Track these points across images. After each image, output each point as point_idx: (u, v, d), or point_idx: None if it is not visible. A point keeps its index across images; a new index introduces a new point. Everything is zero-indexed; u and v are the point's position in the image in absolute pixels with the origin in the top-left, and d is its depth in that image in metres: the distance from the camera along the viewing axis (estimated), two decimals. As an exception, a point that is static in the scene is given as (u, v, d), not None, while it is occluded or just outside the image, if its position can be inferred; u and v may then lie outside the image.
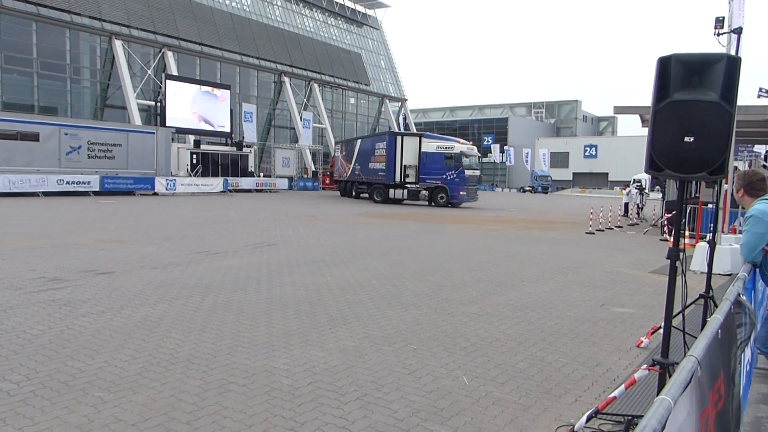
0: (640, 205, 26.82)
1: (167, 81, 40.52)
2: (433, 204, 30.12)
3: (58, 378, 4.40)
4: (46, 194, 28.04)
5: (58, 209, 20.75)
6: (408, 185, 30.44)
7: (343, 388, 4.39)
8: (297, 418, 3.83)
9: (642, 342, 5.86)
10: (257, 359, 4.98)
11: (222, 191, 37.20)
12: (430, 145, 30.03)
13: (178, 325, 5.97)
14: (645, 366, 3.71)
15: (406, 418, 3.92)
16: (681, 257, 3.36)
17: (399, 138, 30.90)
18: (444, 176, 29.57)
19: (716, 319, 2.35)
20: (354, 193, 35.77)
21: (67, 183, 29.06)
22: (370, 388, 4.41)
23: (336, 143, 41.84)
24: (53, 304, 6.70)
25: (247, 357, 5.03)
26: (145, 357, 4.94)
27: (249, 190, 40.26)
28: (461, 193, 29.80)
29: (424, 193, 30.36)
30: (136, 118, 40.35)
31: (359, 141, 36.26)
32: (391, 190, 30.76)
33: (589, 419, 3.61)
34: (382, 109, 70.33)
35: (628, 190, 28.91)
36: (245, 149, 44.16)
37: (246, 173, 42.91)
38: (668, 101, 3.28)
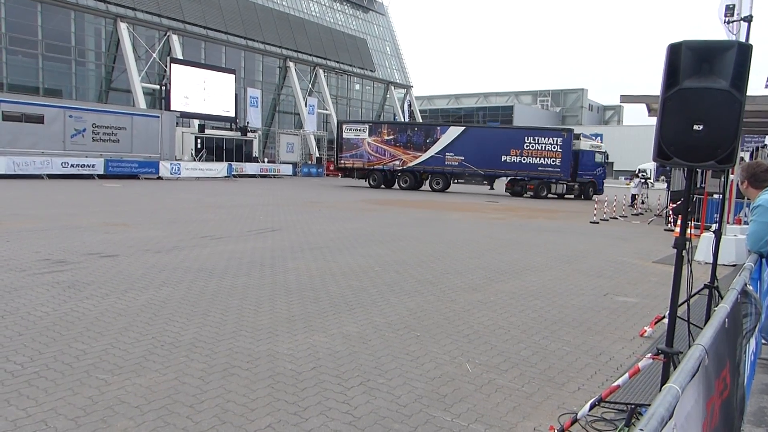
0: (640, 197, 26.70)
1: (172, 65, 40.42)
2: (582, 197, 31.17)
3: (62, 360, 4.42)
4: (51, 177, 28.08)
5: (62, 192, 20.79)
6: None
7: (346, 374, 4.39)
8: (300, 403, 3.84)
9: (645, 331, 5.85)
10: (261, 344, 4.99)
11: (226, 176, 37.20)
12: (585, 144, 32.10)
13: (181, 308, 5.99)
14: (649, 355, 3.70)
15: (408, 404, 3.92)
16: (687, 247, 3.34)
17: (570, 136, 31.19)
18: (594, 172, 32.37)
19: (723, 308, 2.33)
20: (406, 183, 33.21)
21: (72, 166, 29.08)
22: (373, 374, 4.42)
23: (362, 127, 34.66)
24: (57, 286, 6.72)
25: (251, 341, 5.04)
26: (148, 340, 4.95)
27: (253, 176, 40.25)
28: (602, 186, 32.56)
29: (577, 187, 31.82)
30: (141, 102, 40.31)
31: (457, 129, 32.79)
32: (553, 186, 31.39)
33: (592, 407, 3.61)
34: (387, 96, 70.03)
35: (637, 180, 28.67)
36: (250, 134, 44.12)
37: (250, 158, 42.91)
38: (678, 89, 3.24)
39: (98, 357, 4.50)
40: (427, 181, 33.80)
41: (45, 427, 3.36)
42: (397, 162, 33.45)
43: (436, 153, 32.60)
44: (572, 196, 31.78)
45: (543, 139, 31.06)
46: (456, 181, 34.38)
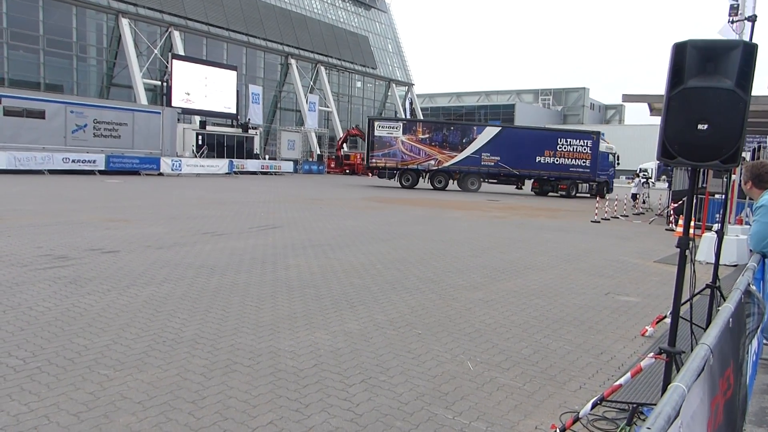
0: (641, 196, 26.70)
1: (174, 61, 40.39)
2: (598, 196, 31.41)
3: (63, 355, 4.42)
4: (52, 172, 28.10)
5: (63, 187, 20.79)
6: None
7: (348, 371, 4.40)
8: (302, 400, 3.85)
9: (647, 331, 5.85)
10: (262, 340, 4.99)
11: (227, 173, 37.21)
12: (602, 146, 33.26)
13: (183, 305, 5.99)
14: (651, 354, 3.70)
15: (410, 401, 3.93)
16: (691, 246, 3.33)
17: (598, 139, 32.89)
18: (608, 172, 34.04)
19: (727, 308, 2.33)
20: (441, 183, 32.84)
21: (73, 161, 29.12)
22: (375, 372, 4.42)
23: (396, 125, 33.25)
24: (59, 281, 6.72)
25: (252, 338, 5.04)
26: (150, 336, 4.96)
27: (254, 173, 40.26)
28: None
29: (595, 186, 33.13)
30: (142, 98, 40.29)
31: (493, 130, 32.97)
32: (580, 185, 32.93)
33: (594, 406, 3.61)
34: (389, 93, 70.00)
35: (637, 180, 28.74)
36: (251, 131, 44.13)
37: (251, 155, 42.93)
38: (682, 88, 3.23)
39: (100, 353, 4.51)
40: (455, 182, 33.29)
41: (47, 422, 3.36)
42: (432, 162, 32.73)
43: (472, 153, 32.44)
44: (588, 195, 32.58)
45: (575, 141, 32.52)
46: (488, 181, 34.20)
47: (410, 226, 14.14)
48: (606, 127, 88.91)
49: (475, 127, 33.66)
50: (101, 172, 30.10)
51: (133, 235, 10.40)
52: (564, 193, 31.80)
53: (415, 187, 33.30)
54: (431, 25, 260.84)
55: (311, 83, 57.28)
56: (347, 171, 50.77)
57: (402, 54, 73.61)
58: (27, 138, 28.23)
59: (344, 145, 53.75)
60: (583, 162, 32.37)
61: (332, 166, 51.56)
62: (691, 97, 3.20)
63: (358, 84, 67.18)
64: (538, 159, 32.23)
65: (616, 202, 22.70)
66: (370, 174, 35.00)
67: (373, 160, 33.14)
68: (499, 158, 32.34)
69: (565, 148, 32.35)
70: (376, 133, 32.83)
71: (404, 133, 32.95)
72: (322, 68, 58.37)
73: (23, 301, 5.83)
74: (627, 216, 20.87)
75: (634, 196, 27.26)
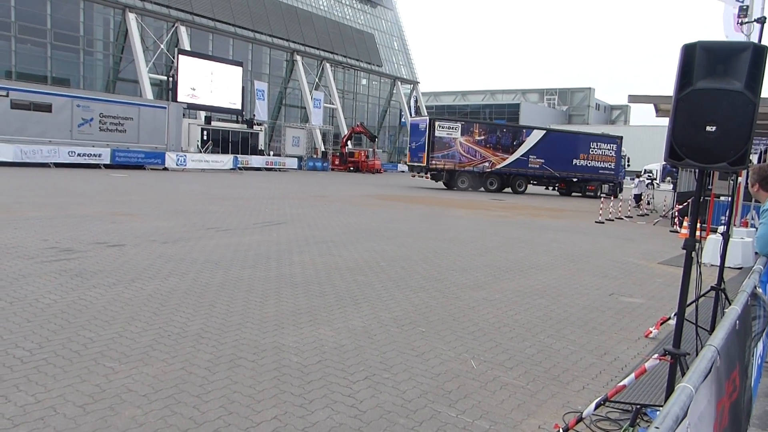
0: (645, 198, 26.68)
1: (180, 56, 40.45)
2: (612, 196, 31.93)
3: (70, 347, 4.45)
4: (58, 165, 28.19)
5: (69, 181, 20.86)
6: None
7: (352, 368, 4.41)
8: (306, 395, 3.86)
9: (651, 332, 5.84)
10: (267, 336, 5.01)
11: (232, 168, 37.27)
12: (620, 149, 35.74)
13: (188, 299, 6.01)
14: (656, 355, 3.70)
15: (413, 399, 3.94)
16: (697, 248, 3.33)
17: (621, 143, 35.57)
18: (621, 173, 35.81)
19: (734, 310, 2.33)
20: (493, 186, 32.62)
21: (79, 155, 29.19)
22: (379, 369, 4.43)
23: (455, 125, 32.18)
24: (65, 274, 6.75)
25: (257, 333, 5.06)
26: (155, 330, 4.98)
27: (258, 169, 40.29)
28: None
29: (613, 187, 34.73)
30: (148, 93, 40.36)
31: (540, 132, 33.82)
32: (604, 186, 34.49)
33: (597, 407, 3.61)
34: (394, 91, 69.96)
35: (638, 180, 28.77)
36: (256, 127, 44.17)
37: (256, 151, 42.97)
38: (691, 89, 3.23)
39: (106, 345, 4.53)
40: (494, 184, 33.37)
41: (54, 413, 3.39)
42: (487, 164, 32.50)
43: (521, 155, 33.03)
44: (606, 195, 32.81)
45: (603, 144, 34.94)
46: (532, 183, 34.59)
47: (414, 224, 14.14)
48: (611, 127, 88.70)
49: (524, 130, 34.29)
50: (106, 166, 30.18)
51: (138, 229, 10.44)
52: (592, 193, 32.82)
53: (470, 190, 32.74)
54: (437, 23, 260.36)
55: (316, 80, 57.28)
56: (351, 168, 50.76)
57: (407, 52, 73.53)
58: (34, 131, 28.32)
59: (349, 142, 53.75)
60: (609, 164, 34.89)
61: (336, 163, 51.54)
62: (699, 98, 3.19)
63: (363, 81, 67.14)
64: (574, 162, 34.00)
65: (620, 203, 22.73)
66: (428, 177, 32.37)
67: (433, 162, 31.66)
68: (543, 161, 33.37)
69: (595, 151, 34.55)
70: (437, 133, 31.67)
71: (462, 134, 32.21)
72: (328, 65, 58.35)
73: (29, 293, 5.86)
74: (631, 217, 20.83)
75: (637, 197, 27.26)
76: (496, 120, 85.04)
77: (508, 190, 33.41)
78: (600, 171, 34.76)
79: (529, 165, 33.14)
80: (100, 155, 30.12)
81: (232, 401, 3.71)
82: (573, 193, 34.63)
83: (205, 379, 4.02)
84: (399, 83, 69.84)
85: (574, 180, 34.26)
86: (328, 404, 3.76)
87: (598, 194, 32.29)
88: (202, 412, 3.53)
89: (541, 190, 35.77)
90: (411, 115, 68.85)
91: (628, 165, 38.25)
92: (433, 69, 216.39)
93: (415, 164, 32.41)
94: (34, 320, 5.02)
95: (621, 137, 36.02)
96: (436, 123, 32.07)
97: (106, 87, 42.28)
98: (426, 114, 73.42)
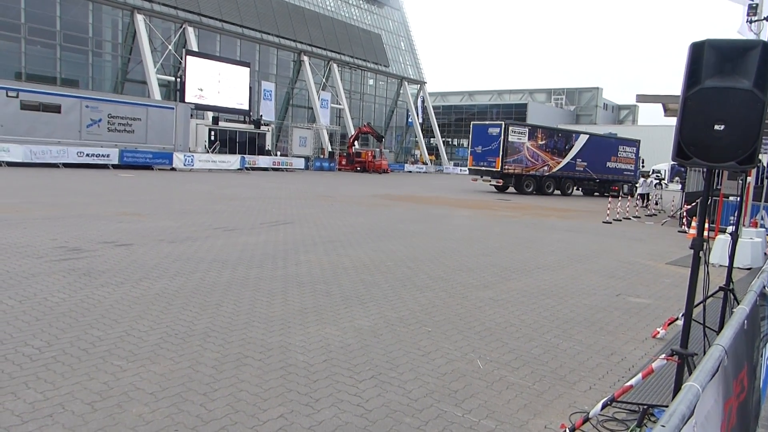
0: (654, 198, 26.55)
1: (187, 57, 40.61)
2: (629, 195, 32.68)
3: (78, 345, 4.47)
4: (66, 165, 28.35)
5: (77, 181, 20.97)
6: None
7: (358, 367, 4.41)
8: (312, 394, 3.87)
9: (658, 333, 5.82)
10: (273, 335, 5.02)
11: (239, 169, 37.37)
12: (638, 152, 38.01)
13: (195, 298, 6.03)
14: (663, 356, 3.68)
15: (420, 398, 3.94)
16: (705, 248, 3.31)
17: (639, 146, 37.92)
18: (636, 174, 37.10)
19: (742, 309, 2.32)
20: (550, 189, 33.11)
21: (87, 155, 29.36)
22: (385, 368, 4.43)
23: (523, 130, 32.19)
24: (73, 273, 6.79)
25: (264, 332, 5.07)
26: (162, 328, 5.00)
27: (265, 169, 40.39)
28: None
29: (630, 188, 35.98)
30: (156, 93, 40.54)
31: (584, 137, 34.70)
32: (625, 186, 35.98)
33: (604, 407, 3.60)
34: (401, 92, 69.96)
35: (642, 180, 28.67)
36: (263, 127, 44.26)
37: (263, 151, 43.06)
38: (699, 88, 3.21)
39: (113, 344, 4.55)
40: (548, 188, 33.63)
41: (62, 410, 3.41)
42: (546, 168, 33.10)
43: (570, 159, 34.10)
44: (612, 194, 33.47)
45: (627, 147, 37.02)
46: (576, 186, 35.45)
47: (420, 224, 14.14)
48: (619, 127, 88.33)
49: (574, 134, 35.25)
50: (115, 167, 30.33)
51: (145, 229, 10.48)
52: (615, 193, 32.94)
53: (536, 193, 32.68)
54: (444, 23, 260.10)
55: (323, 80, 57.37)
56: (358, 168, 50.80)
57: (414, 52, 73.51)
58: (43, 132, 28.51)
59: (356, 142, 53.80)
60: (631, 166, 37.12)
61: (343, 163, 51.60)
62: (708, 97, 3.17)
63: (371, 81, 67.19)
64: (607, 164, 35.78)
65: (628, 203, 22.67)
66: (501, 182, 31.51)
67: (506, 167, 31.27)
68: (586, 164, 34.77)
69: (622, 154, 36.62)
70: (510, 138, 31.43)
71: (529, 138, 32.32)
72: (335, 65, 58.42)
73: (38, 291, 5.90)
74: (639, 217, 20.73)
75: (642, 197, 27.16)
76: (503, 119, 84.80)
77: (547, 193, 33.51)
78: (624, 172, 36.84)
79: (576, 168, 34.43)
80: (108, 156, 30.28)
81: (239, 399, 3.72)
82: (595, 193, 35.73)
83: (212, 377, 4.04)
84: (406, 83, 69.84)
85: (607, 182, 35.64)
86: (334, 403, 3.76)
87: (620, 194, 32.64)
88: (209, 410, 3.55)
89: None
90: (418, 115, 68.90)
91: (643, 166, 39.81)
92: (440, 69, 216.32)
93: (482, 168, 31.92)
94: (42, 319, 5.05)
95: (639, 141, 38.30)
96: (510, 128, 31.88)
97: (115, 88, 42.50)
98: (433, 115, 73.44)
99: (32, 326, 4.84)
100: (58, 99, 29.49)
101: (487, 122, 34.99)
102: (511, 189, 32.83)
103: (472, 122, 34.65)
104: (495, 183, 31.74)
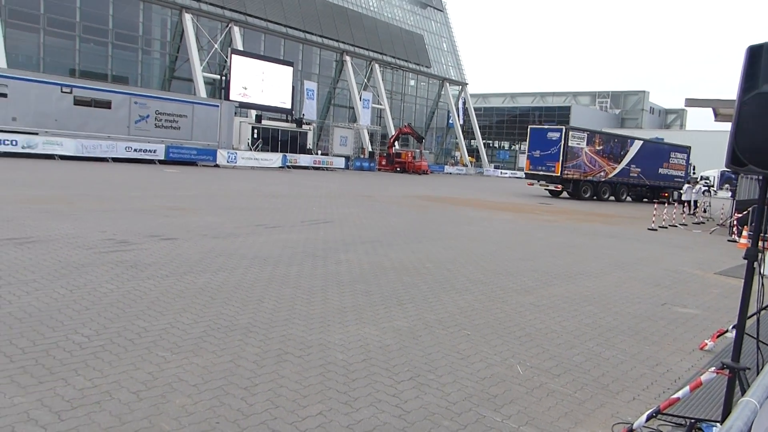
0: (702, 205, 25.74)
1: (233, 56, 41.34)
2: (676, 202, 32.15)
3: (125, 335, 4.60)
4: (115, 160, 29.22)
5: (125, 175, 21.59)
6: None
7: (397, 368, 4.42)
8: (351, 393, 3.89)
9: (706, 344, 5.64)
10: (313, 332, 5.07)
11: (280, 167, 37.85)
12: (689, 158, 38.32)
13: (237, 293, 6.14)
14: (713, 369, 3.57)
15: (458, 401, 3.91)
16: (759, 258, 3.20)
17: (689, 152, 38.26)
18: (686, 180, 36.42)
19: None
20: (606, 195, 33.00)
21: (135, 150, 30.20)
22: (423, 370, 4.42)
23: (582, 135, 31.88)
24: (121, 265, 6.99)
25: (303, 330, 5.12)
26: (206, 322, 5.10)
27: (306, 167, 40.81)
28: None
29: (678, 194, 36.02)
30: (202, 91, 41.40)
31: (639, 143, 34.64)
32: (675, 192, 35.83)
33: (649, 419, 3.51)
34: (442, 93, 69.73)
35: (687, 186, 27.78)
36: (305, 126, 44.72)
37: (304, 150, 43.52)
38: (756, 92, 3.10)
39: (158, 335, 4.67)
40: (605, 194, 33.50)
41: (109, 398, 3.51)
42: (602, 173, 32.85)
43: (625, 165, 33.95)
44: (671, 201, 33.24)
45: (678, 154, 37.19)
46: (629, 193, 35.26)
47: (460, 226, 14.05)
48: (666, 132, 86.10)
49: (629, 140, 35.00)
50: (161, 162, 31.11)
51: (190, 224, 10.72)
52: (665, 200, 32.26)
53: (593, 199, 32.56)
54: (486, 24, 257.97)
55: (365, 80, 57.61)
56: (398, 169, 50.85)
57: (456, 53, 73.17)
58: (94, 127, 29.46)
59: (396, 142, 53.85)
60: (681, 173, 37.10)
61: (383, 163, 51.72)
62: (765, 102, 3.06)
63: (412, 82, 67.18)
64: (659, 171, 35.85)
65: (674, 210, 22.08)
66: (560, 187, 31.26)
67: (566, 172, 30.98)
68: (640, 170, 34.61)
69: (673, 160, 36.72)
70: (570, 143, 31.12)
71: (587, 144, 32.04)
72: (377, 66, 58.61)
73: (88, 281, 6.09)
74: (686, 225, 20.16)
75: (688, 204, 26.34)
76: (545, 123, 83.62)
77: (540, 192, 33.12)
78: (675, 179, 36.69)
79: (630, 174, 34.23)
80: (155, 151, 31.07)
81: (279, 395, 3.76)
82: (644, 199, 35.39)
83: (252, 372, 4.10)
84: (447, 84, 69.58)
85: (658, 188, 35.53)
86: (372, 402, 3.78)
87: (669, 201, 32.05)
88: (250, 404, 3.60)
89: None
90: (458, 116, 68.51)
91: (693, 173, 39.62)
92: (482, 70, 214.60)
93: (540, 173, 31.58)
94: (92, 308, 5.21)
95: (690, 147, 38.31)
96: (570, 132, 31.54)
97: (162, 85, 43.61)
98: (474, 116, 72.94)
99: (82, 315, 5.00)
100: (108, 95, 30.43)
101: (545, 126, 34.43)
102: (564, 194, 32.42)
103: (529, 126, 34.17)
104: (554, 188, 31.41)
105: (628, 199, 35.10)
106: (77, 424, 3.19)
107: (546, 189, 31.98)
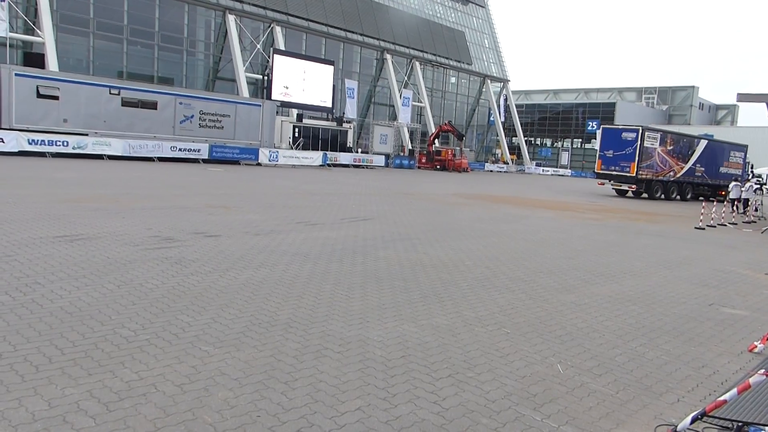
0: (753, 204, 24.78)
1: (275, 55, 41.89)
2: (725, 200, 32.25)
3: (169, 330, 4.73)
4: (161, 159, 29.98)
5: (170, 174, 22.14)
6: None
7: (435, 365, 4.42)
8: (389, 389, 3.91)
9: (756, 347, 5.45)
10: (352, 329, 5.11)
11: (321, 165, 38.16)
12: (746, 156, 38.80)
13: (278, 289, 6.23)
14: (762, 371, 3.45)
15: (497, 400, 3.89)
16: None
17: (746, 150, 38.79)
18: (743, 178, 36.41)
19: None
20: (673, 194, 32.96)
21: (180, 150, 30.90)
22: (462, 367, 4.41)
23: (656, 135, 31.49)
24: (165, 261, 7.19)
25: (342, 326, 5.17)
26: (247, 317, 5.20)
27: (347, 165, 41.03)
28: None
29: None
30: (244, 91, 42.06)
31: (704, 142, 34.73)
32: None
33: (693, 421, 3.42)
34: (483, 90, 69.08)
35: (733, 184, 26.76)
36: (345, 125, 44.98)
37: (345, 148, 43.76)
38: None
39: (201, 330, 4.79)
40: (673, 193, 33.40)
41: (155, 390, 3.62)
42: (672, 173, 32.83)
43: (692, 164, 34.07)
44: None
45: (737, 152, 37.50)
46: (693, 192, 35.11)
47: (500, 223, 13.92)
48: (716, 128, 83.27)
49: (695, 139, 34.87)
50: (204, 161, 31.77)
51: (232, 221, 10.93)
52: (722, 198, 31.53)
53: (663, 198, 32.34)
54: (529, 19, 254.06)
55: (405, 78, 57.53)
56: (438, 167, 50.62)
57: (498, 49, 72.33)
58: (140, 127, 30.29)
59: (436, 140, 53.63)
60: (739, 171, 37.16)
61: (423, 161, 51.55)
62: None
63: (453, 79, 66.75)
64: (721, 170, 35.98)
65: (723, 209, 21.36)
66: (634, 188, 30.91)
67: (641, 173, 30.73)
68: (704, 169, 34.75)
69: (732, 159, 37.00)
70: (645, 144, 30.76)
71: (660, 144, 31.84)
72: (417, 63, 58.45)
73: (135, 277, 6.29)
74: (736, 224, 19.48)
75: (745, 202, 25.41)
76: (589, 120, 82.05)
77: (599, 191, 32.41)
78: (734, 178, 35.35)
79: (695, 174, 34.26)
80: (199, 150, 31.75)
81: (318, 390, 3.81)
82: (700, 198, 34.21)
83: (293, 367, 4.16)
84: (489, 81, 68.88)
85: (718, 186, 35.30)
86: (411, 399, 3.79)
87: (728, 199, 31.21)
88: (290, 398, 3.66)
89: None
90: (500, 114, 67.76)
91: (752, 171, 40.51)
92: (524, 66, 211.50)
93: (613, 173, 31.28)
94: (138, 303, 5.38)
95: (747, 146, 38.80)
96: (646, 133, 31.20)
97: (206, 86, 44.48)
98: (516, 114, 72.02)
99: (129, 309, 5.17)
100: (154, 96, 31.21)
101: (620, 126, 33.90)
102: (608, 190, 31.86)
103: (602, 126, 33.87)
104: (627, 188, 31.26)
105: (690, 197, 34.51)
106: (124, 415, 3.30)
107: (616, 189, 31.81)
